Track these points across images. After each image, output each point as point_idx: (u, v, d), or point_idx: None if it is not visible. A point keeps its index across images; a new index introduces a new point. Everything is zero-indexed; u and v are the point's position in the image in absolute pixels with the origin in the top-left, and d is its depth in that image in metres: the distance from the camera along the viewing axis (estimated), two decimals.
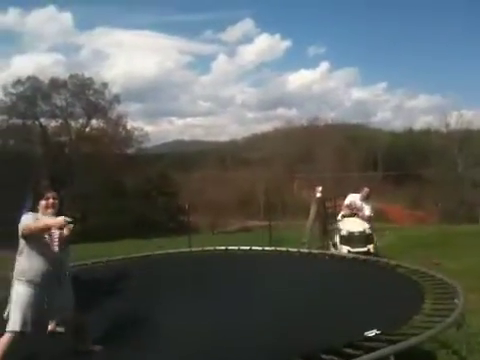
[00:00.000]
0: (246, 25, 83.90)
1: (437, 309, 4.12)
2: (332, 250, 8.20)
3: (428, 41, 79.12)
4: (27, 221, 3.56)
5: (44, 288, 3.54)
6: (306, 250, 7.58)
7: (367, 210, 8.43)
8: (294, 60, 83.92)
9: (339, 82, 74.76)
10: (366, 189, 8.73)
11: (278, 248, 7.61)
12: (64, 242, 3.64)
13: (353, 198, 8.68)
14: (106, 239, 16.06)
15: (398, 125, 65.38)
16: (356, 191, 9.02)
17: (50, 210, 3.72)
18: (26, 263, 3.55)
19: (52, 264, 3.58)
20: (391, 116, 70.19)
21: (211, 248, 7.70)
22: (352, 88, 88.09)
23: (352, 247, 7.74)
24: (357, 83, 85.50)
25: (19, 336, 3.41)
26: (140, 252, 8.28)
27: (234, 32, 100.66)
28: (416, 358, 4.01)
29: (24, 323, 3.43)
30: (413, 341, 3.36)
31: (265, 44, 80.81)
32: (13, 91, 31.03)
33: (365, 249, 7.72)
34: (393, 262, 6.05)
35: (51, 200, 3.74)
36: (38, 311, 3.53)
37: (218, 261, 6.55)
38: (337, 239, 8.21)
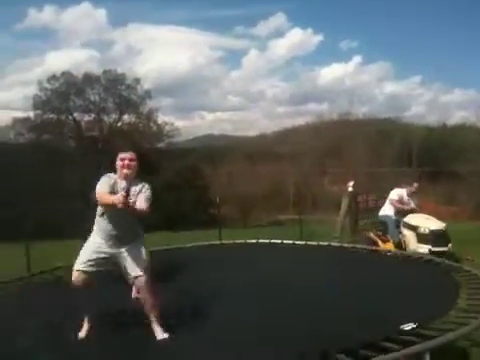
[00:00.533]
0: (278, 20, 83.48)
1: (472, 305, 4.02)
2: (393, 249, 7.55)
3: (464, 34, 76.89)
4: (101, 189, 3.80)
5: (111, 246, 3.91)
6: (337, 244, 7.45)
7: (413, 205, 8.20)
8: (326, 54, 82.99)
9: (372, 76, 73.65)
10: (415, 184, 8.50)
11: (308, 242, 7.51)
12: (133, 209, 3.72)
13: (400, 192, 8.41)
14: None
15: (433, 120, 63.79)
16: (398, 186, 8.77)
17: (126, 171, 3.93)
18: (101, 223, 3.93)
19: (121, 227, 3.89)
20: (425, 110, 68.54)
21: (242, 241, 7.66)
22: (385, 82, 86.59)
23: (433, 246, 7.26)
24: (390, 77, 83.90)
25: (80, 274, 3.84)
26: (171, 244, 8.33)
27: (266, 27, 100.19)
28: (449, 354, 3.90)
29: (86, 264, 3.85)
30: (449, 337, 3.25)
31: (297, 38, 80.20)
32: (48, 86, 31.69)
33: (446, 248, 7.30)
34: (427, 257, 5.88)
35: (127, 161, 3.93)
36: (101, 262, 3.90)
37: (249, 254, 6.45)
38: (411, 237, 7.71)
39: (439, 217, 8.38)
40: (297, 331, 3.77)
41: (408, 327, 3.58)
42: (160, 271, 5.69)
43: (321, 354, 3.19)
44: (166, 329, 3.90)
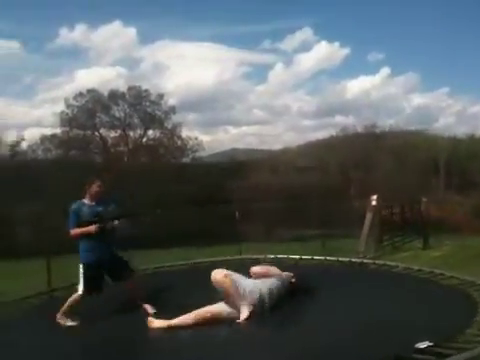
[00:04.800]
0: (305, 34, 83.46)
1: None
2: None
3: None
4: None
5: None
6: (357, 260, 7.32)
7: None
8: (353, 67, 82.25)
9: (399, 88, 72.54)
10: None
11: (328, 257, 7.41)
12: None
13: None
14: (157, 246, 16.33)
15: (461, 131, 62.60)
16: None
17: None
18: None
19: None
20: (454, 122, 67.15)
21: (261, 256, 7.62)
22: (413, 94, 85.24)
23: None
24: (418, 89, 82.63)
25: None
26: (190, 259, 8.35)
27: (293, 41, 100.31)
28: None
29: None
30: (464, 356, 3.14)
31: (323, 52, 79.78)
32: (75, 103, 32.35)
33: None
34: (448, 273, 5.73)
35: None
36: None
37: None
38: None
39: (466, 230, 8.18)
40: (307, 353, 3.71)
41: (423, 345, 3.49)
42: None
43: None
44: None
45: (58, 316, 4.95)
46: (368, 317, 4.34)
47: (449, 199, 30.61)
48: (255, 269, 4.84)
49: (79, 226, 4.98)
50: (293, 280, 5.11)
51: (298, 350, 3.71)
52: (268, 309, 4.46)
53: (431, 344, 3.47)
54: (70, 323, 4.86)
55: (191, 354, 3.87)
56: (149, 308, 5.06)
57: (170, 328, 4.35)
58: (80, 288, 5.00)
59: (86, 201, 5.17)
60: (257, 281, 4.60)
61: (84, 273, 4.98)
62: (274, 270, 4.94)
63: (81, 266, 5.03)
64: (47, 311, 5.43)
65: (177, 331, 4.32)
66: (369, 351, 3.44)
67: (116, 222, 4.99)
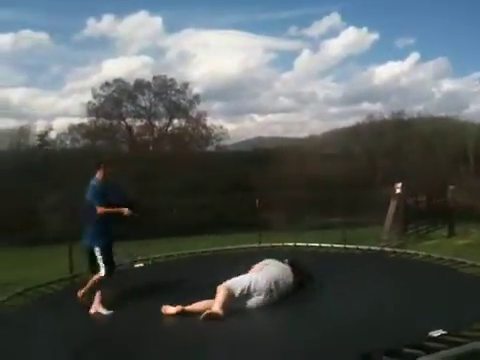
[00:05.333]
0: (332, 20, 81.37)
1: None
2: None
3: None
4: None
5: None
6: (377, 248, 7.24)
7: None
8: (381, 53, 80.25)
9: (429, 73, 70.78)
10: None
11: (347, 246, 7.36)
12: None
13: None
14: (183, 234, 16.48)
15: None
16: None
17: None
18: None
19: None
20: None
21: (279, 244, 7.64)
22: (443, 79, 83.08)
23: None
24: (448, 74, 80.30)
25: None
26: (212, 247, 8.42)
27: (320, 27, 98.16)
28: None
29: None
30: (474, 345, 3.09)
31: (351, 38, 77.92)
32: (101, 93, 32.80)
33: None
34: (469, 262, 5.63)
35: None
36: None
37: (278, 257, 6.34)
38: None
39: None
40: (321, 336, 3.73)
41: (437, 333, 3.46)
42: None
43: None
44: None
45: (79, 294, 5.06)
46: (380, 305, 4.32)
47: (478, 187, 29.92)
48: (254, 266, 5.04)
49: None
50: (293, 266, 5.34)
51: (301, 340, 3.71)
52: (275, 297, 4.58)
53: (445, 332, 3.44)
54: (104, 312, 4.90)
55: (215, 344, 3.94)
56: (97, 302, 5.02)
57: (183, 312, 4.43)
58: (102, 271, 5.04)
59: (102, 182, 5.25)
60: (252, 274, 4.76)
61: (103, 256, 5.03)
62: (272, 263, 5.09)
63: (98, 250, 5.05)
64: (65, 296, 5.61)
65: (189, 318, 4.36)
66: (379, 340, 3.42)
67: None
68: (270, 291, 4.60)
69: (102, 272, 5.05)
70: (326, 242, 7.81)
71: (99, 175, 5.26)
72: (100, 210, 5.06)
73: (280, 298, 4.73)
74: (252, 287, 4.53)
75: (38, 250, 15.61)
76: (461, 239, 12.34)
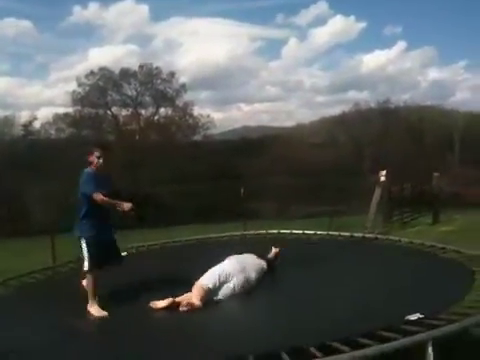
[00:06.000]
0: (319, 8, 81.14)
1: None
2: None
3: None
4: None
5: None
6: (360, 234, 7.27)
7: None
8: (369, 41, 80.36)
9: (415, 62, 71.17)
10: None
11: (330, 232, 7.40)
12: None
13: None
14: (170, 224, 16.48)
15: (477, 106, 61.44)
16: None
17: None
18: None
19: None
20: (470, 96, 65.89)
21: (263, 232, 7.66)
22: (429, 68, 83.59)
23: None
24: (435, 62, 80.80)
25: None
26: (197, 235, 8.43)
27: (307, 15, 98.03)
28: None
29: None
30: (453, 327, 3.13)
31: (338, 26, 78.06)
32: (86, 82, 32.43)
33: None
34: (449, 247, 5.68)
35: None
36: None
37: (261, 245, 6.33)
38: None
39: None
40: (299, 322, 3.76)
41: (414, 317, 3.49)
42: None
43: (320, 345, 3.14)
44: None
45: (89, 306, 4.79)
46: (358, 290, 4.35)
47: (464, 174, 30.24)
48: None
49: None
50: (274, 253, 5.59)
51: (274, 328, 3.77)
52: (244, 281, 4.71)
53: (422, 316, 3.47)
54: (100, 313, 4.69)
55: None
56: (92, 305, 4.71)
57: (174, 304, 4.43)
58: (86, 265, 4.73)
59: (94, 169, 4.79)
60: (219, 265, 4.88)
61: (88, 249, 4.92)
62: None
63: (84, 242, 4.85)
64: (46, 286, 5.59)
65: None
66: (357, 325, 3.44)
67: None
68: (239, 276, 4.70)
69: (85, 266, 4.84)
70: (313, 230, 7.81)
71: (94, 163, 4.77)
72: (99, 198, 4.60)
73: (252, 281, 4.82)
74: (222, 277, 4.63)
75: (21, 241, 15.50)
76: (445, 226, 12.47)
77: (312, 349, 3.05)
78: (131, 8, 62.52)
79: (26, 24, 58.29)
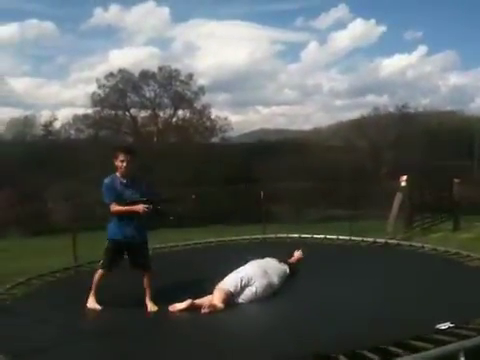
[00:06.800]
0: (340, 11, 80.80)
1: None
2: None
3: None
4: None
5: None
6: (382, 240, 7.20)
7: None
8: (389, 45, 79.53)
9: (436, 67, 70.44)
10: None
11: (353, 237, 7.33)
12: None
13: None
14: (189, 226, 16.49)
15: None
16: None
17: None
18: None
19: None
20: None
21: (284, 235, 7.63)
22: (450, 72, 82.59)
23: None
24: (456, 67, 79.84)
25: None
26: (216, 238, 8.42)
27: (327, 19, 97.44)
28: None
29: None
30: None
31: (359, 30, 77.27)
32: (106, 83, 32.69)
33: None
34: (474, 255, 5.59)
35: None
36: None
37: (282, 249, 6.30)
38: None
39: None
40: (323, 329, 3.71)
41: (444, 326, 3.44)
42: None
43: (350, 353, 3.10)
44: None
45: (88, 302, 4.90)
46: (386, 298, 4.30)
47: None
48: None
49: (119, 203, 4.72)
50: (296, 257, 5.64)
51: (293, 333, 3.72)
52: (267, 285, 4.75)
53: (452, 325, 3.41)
54: (94, 306, 4.83)
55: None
56: (150, 305, 4.81)
57: (193, 307, 4.43)
58: (100, 261, 4.94)
59: (119, 177, 4.80)
60: (241, 269, 4.86)
61: (107, 249, 4.91)
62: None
63: (107, 242, 4.93)
64: (67, 286, 5.63)
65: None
66: (385, 333, 3.39)
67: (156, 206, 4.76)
68: (261, 280, 4.70)
69: (99, 265, 4.99)
70: (331, 234, 7.76)
71: (118, 168, 4.79)
72: (114, 210, 4.76)
73: (274, 285, 4.84)
74: (244, 280, 4.63)
75: (42, 240, 15.64)
76: (466, 233, 12.29)
77: (342, 357, 3.01)
78: (152, 10, 63.05)
79: (48, 25, 58.92)
